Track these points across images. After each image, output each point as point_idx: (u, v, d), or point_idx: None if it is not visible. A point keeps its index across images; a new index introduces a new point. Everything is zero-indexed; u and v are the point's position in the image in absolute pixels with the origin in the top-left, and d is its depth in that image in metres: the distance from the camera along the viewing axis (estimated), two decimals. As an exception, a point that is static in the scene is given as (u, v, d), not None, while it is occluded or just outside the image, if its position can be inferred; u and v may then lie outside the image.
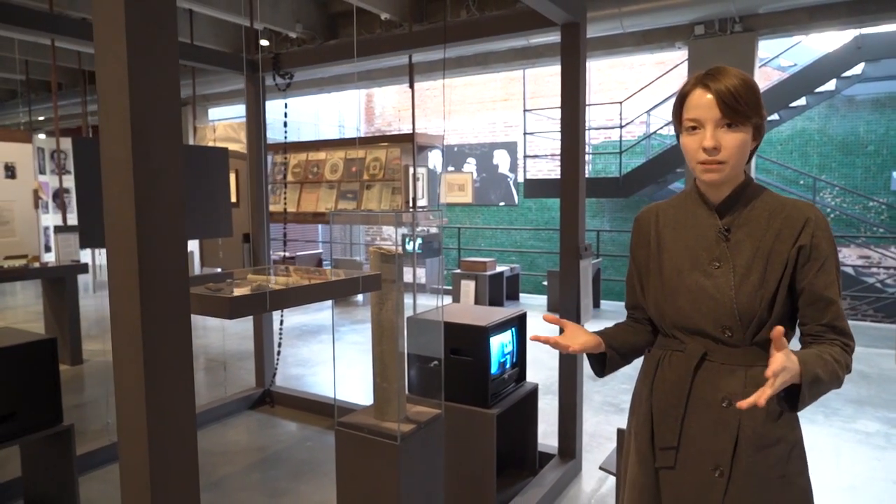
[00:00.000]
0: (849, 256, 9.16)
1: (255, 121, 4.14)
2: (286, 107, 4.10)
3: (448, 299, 8.01)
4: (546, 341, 1.33)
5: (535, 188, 8.90)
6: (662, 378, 1.34)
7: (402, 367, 2.22)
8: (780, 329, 1.06)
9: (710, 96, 1.21)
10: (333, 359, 3.22)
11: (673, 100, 1.32)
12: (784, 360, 1.06)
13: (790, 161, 9.45)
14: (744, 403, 1.06)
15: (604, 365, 1.43)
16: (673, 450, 1.30)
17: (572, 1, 2.78)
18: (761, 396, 1.04)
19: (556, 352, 3.15)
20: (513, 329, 2.98)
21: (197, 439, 1.15)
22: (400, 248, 2.17)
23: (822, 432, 3.71)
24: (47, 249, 5.92)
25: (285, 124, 4.11)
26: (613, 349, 1.41)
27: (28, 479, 2.72)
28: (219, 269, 5.01)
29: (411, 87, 4.67)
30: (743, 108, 1.20)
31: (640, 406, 1.40)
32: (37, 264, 5.02)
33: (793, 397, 1.15)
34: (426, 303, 2.97)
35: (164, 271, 1.07)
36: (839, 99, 9.02)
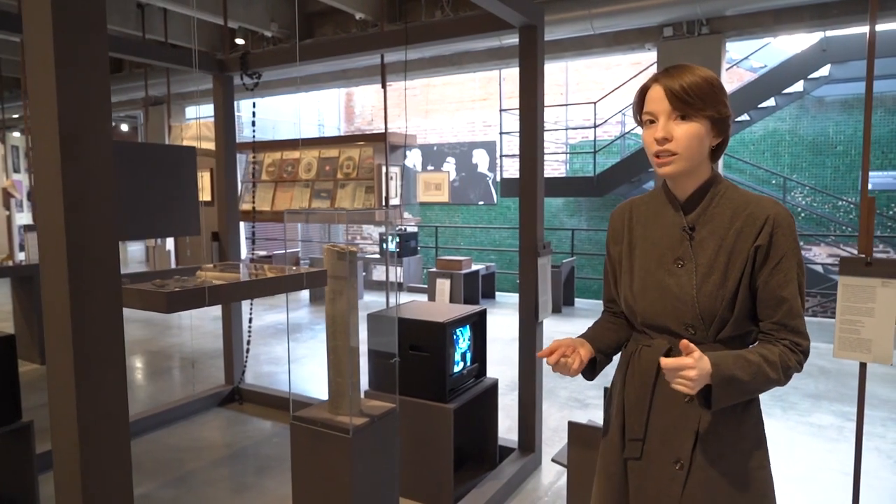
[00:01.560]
0: (818, 255, 9.35)
1: (225, 120, 4.16)
2: (254, 106, 4.13)
3: (424, 297, 8.06)
4: (552, 359, 1.32)
5: (512, 187, 8.99)
6: (633, 372, 1.38)
7: (355, 362, 2.27)
8: (685, 342, 1.15)
9: (660, 89, 1.25)
10: (288, 352, 3.26)
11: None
12: (683, 360, 1.13)
13: (762, 161, 9.63)
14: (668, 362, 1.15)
15: (594, 369, 1.43)
16: (640, 441, 1.34)
17: (528, 4, 2.84)
18: (667, 364, 1.14)
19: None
20: (472, 325, 3.04)
21: (129, 426, 1.19)
22: (353, 247, 2.22)
23: (779, 426, 3.81)
24: (21, 248, 5.89)
25: (253, 123, 4.14)
26: (601, 352, 1.42)
27: (-11, 476, 2.73)
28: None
29: (383, 86, 4.72)
30: (692, 100, 1.22)
31: (614, 398, 1.44)
32: (10, 263, 5.00)
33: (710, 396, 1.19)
34: (403, 301, 3.01)
35: (93, 268, 1.12)
36: (809, 100, 9.20)
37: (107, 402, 1.14)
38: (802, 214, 9.42)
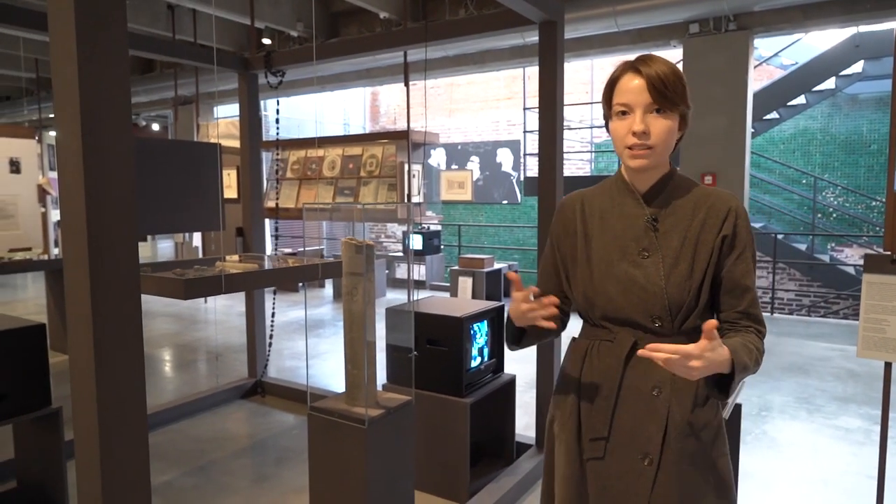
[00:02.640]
0: (850, 256, 9.13)
1: (250, 118, 4.24)
2: (278, 104, 4.20)
3: (446, 295, 8.09)
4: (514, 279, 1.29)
5: (535, 186, 8.94)
6: (591, 368, 1.34)
7: (371, 355, 2.30)
8: (713, 322, 1.09)
9: (639, 81, 1.22)
10: (306, 344, 3.30)
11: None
12: (706, 345, 1.09)
13: (792, 160, 9.43)
14: (647, 352, 1.11)
15: (520, 339, 1.43)
16: (603, 440, 1.30)
17: (548, 1, 2.84)
18: (666, 354, 1.09)
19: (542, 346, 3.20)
20: (490, 321, 3.05)
21: (146, 409, 1.23)
22: (370, 241, 2.25)
23: (804, 428, 3.74)
24: (56, 244, 6.08)
25: (277, 121, 4.20)
26: (531, 327, 1.39)
27: (20, 460, 2.83)
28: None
29: (406, 84, 4.75)
30: (671, 94, 1.22)
31: (566, 398, 1.38)
32: (45, 257, 5.16)
33: (723, 386, 1.18)
34: (424, 297, 3.04)
35: (113, 254, 1.16)
36: (842, 97, 8.98)
37: (125, 386, 1.18)
38: (834, 215, 9.21)
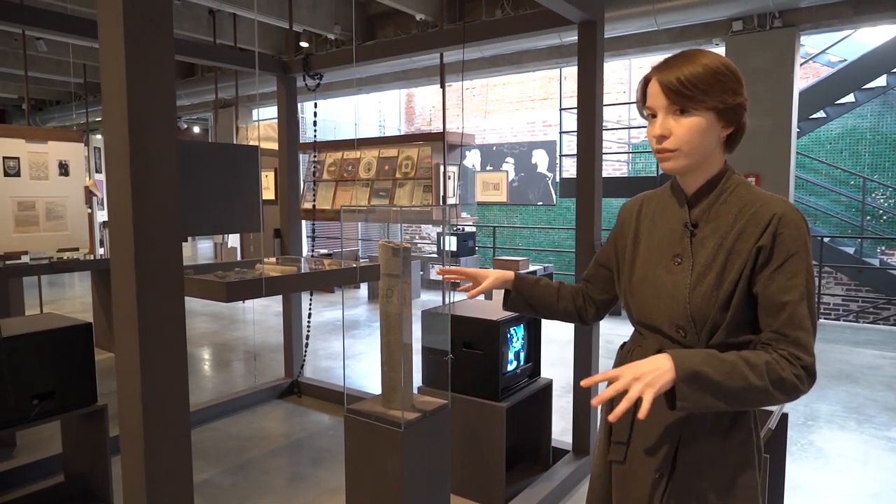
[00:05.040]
0: (902, 260, 8.78)
1: (288, 120, 4.29)
2: (316, 106, 4.24)
3: (481, 297, 8.05)
4: (451, 272, 1.51)
5: (571, 187, 8.85)
6: None
7: (408, 358, 2.29)
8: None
9: (655, 84, 1.19)
10: (343, 346, 3.32)
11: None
12: (620, 369, 1.10)
13: (840, 161, 9.11)
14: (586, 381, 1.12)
15: (507, 300, 1.53)
16: (624, 445, 1.29)
17: (588, 0, 2.80)
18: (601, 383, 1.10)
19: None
20: (527, 325, 3.01)
21: (189, 406, 1.24)
22: (407, 244, 2.25)
23: (853, 438, 3.60)
24: (101, 244, 6.27)
25: (315, 123, 4.24)
26: (520, 293, 1.50)
27: (67, 455, 2.91)
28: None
29: (442, 86, 4.76)
30: (691, 92, 1.14)
31: (610, 400, 1.38)
32: (91, 257, 5.32)
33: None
34: (459, 299, 3.03)
35: (158, 257, 1.17)
36: (894, 95, 8.64)
37: (168, 384, 1.19)
38: (885, 217, 8.87)
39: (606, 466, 1.35)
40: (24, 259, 4.80)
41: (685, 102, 1.16)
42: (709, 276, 1.19)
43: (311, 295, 4.45)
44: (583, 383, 1.12)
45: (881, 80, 7.56)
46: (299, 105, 6.13)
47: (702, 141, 1.18)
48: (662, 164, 1.22)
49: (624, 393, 1.07)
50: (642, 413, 1.04)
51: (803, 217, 1.18)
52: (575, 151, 3.10)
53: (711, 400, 1.08)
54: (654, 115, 1.21)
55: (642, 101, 1.24)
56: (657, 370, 1.07)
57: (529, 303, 1.51)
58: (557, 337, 5.85)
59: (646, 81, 1.23)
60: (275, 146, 4.59)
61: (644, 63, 10.43)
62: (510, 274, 1.53)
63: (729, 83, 1.17)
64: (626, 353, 1.36)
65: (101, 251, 5.91)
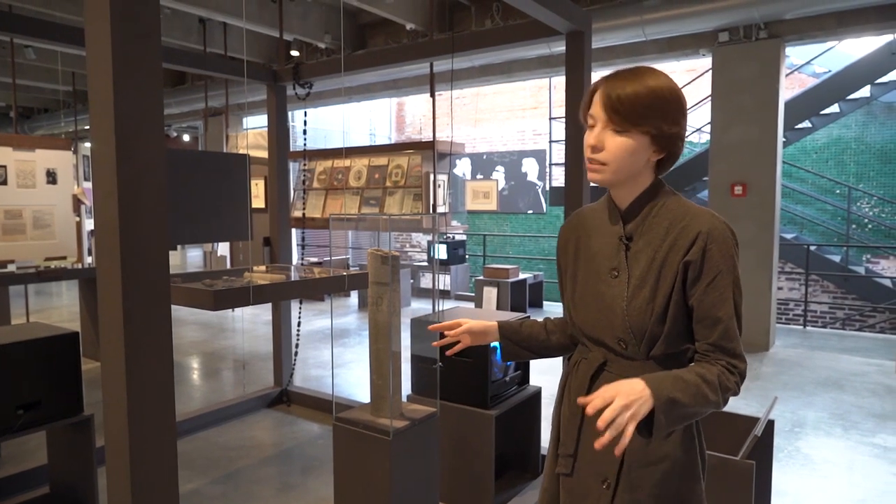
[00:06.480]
0: (887, 269, 8.88)
1: (278, 129, 4.29)
2: (306, 115, 4.25)
3: (471, 305, 8.06)
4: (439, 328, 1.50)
5: (560, 196, 8.91)
6: (570, 385, 1.34)
7: (396, 366, 2.29)
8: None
9: (600, 95, 1.19)
10: (332, 354, 3.31)
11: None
12: (605, 390, 1.05)
13: (825, 170, 9.23)
14: (588, 406, 1.05)
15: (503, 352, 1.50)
16: (571, 457, 1.30)
17: (575, 11, 2.83)
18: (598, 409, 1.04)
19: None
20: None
21: (175, 417, 1.24)
22: (395, 251, 2.26)
23: (839, 445, 3.63)
24: (90, 252, 6.23)
25: (304, 132, 4.25)
26: (508, 339, 1.47)
27: (53, 466, 2.88)
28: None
29: (432, 95, 4.78)
30: (627, 113, 1.15)
31: (555, 411, 1.40)
32: (79, 266, 5.28)
33: (651, 422, 1.08)
34: (449, 307, 3.04)
35: (145, 265, 1.17)
36: (877, 105, 8.77)
37: (155, 394, 1.19)
38: (870, 226, 8.98)
39: (555, 479, 1.35)
40: (11, 268, 4.76)
41: (622, 122, 1.17)
42: (644, 288, 1.21)
43: (301, 303, 4.44)
44: (588, 410, 1.06)
45: (865, 91, 7.68)
46: (289, 113, 6.13)
47: (630, 161, 1.19)
48: (590, 174, 1.23)
49: (604, 409, 1.05)
50: (620, 449, 1.02)
51: (730, 229, 1.21)
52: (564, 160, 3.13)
53: (680, 421, 1.11)
54: (592, 125, 1.22)
55: (587, 107, 1.24)
56: (639, 399, 1.05)
57: (521, 346, 1.48)
58: (547, 345, 5.86)
59: (594, 89, 1.23)
60: (265, 154, 4.60)
61: (632, 73, 10.51)
62: (490, 324, 1.49)
63: (670, 111, 1.18)
64: (573, 366, 1.35)
65: (89, 260, 5.87)
